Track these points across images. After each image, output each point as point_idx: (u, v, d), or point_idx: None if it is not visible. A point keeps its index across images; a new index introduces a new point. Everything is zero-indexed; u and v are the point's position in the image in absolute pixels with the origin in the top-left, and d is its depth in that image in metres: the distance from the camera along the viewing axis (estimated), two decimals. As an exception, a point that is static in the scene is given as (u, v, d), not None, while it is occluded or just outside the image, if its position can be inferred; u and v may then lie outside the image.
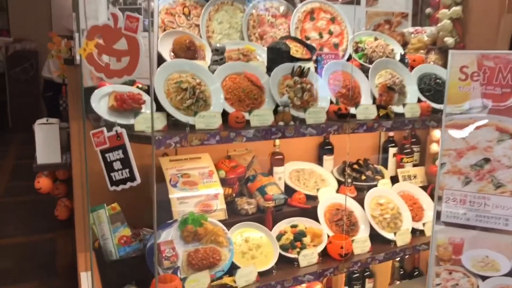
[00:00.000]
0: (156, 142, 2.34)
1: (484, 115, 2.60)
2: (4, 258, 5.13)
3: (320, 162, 3.74)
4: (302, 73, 2.97)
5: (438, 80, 3.47)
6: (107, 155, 2.35)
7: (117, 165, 2.34)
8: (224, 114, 2.66)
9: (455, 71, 2.67)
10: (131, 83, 2.80)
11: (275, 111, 2.80)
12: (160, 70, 2.59)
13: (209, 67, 2.94)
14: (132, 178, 2.33)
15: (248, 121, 2.66)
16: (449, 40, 3.66)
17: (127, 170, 2.33)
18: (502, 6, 3.46)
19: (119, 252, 2.70)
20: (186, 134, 2.41)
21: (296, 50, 3.29)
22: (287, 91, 2.88)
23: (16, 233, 5.55)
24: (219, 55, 2.93)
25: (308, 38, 3.53)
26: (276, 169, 3.44)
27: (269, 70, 3.02)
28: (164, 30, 3.17)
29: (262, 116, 2.68)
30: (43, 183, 3.15)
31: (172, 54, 3.02)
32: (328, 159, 3.74)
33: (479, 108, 2.65)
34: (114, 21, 2.23)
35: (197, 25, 3.28)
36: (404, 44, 3.98)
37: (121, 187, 2.36)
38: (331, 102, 3.05)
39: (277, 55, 3.06)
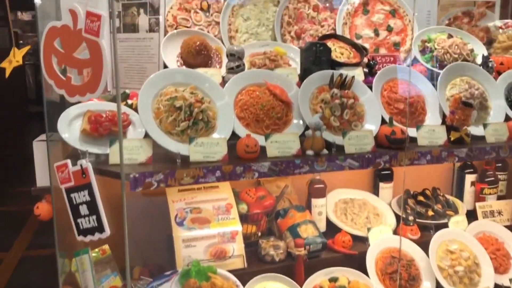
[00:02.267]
0: (131, 180, 1.75)
1: None
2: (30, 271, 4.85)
3: (375, 190, 2.98)
4: (344, 84, 2.26)
5: (535, 91, 2.60)
6: (72, 195, 1.81)
7: (83, 209, 1.79)
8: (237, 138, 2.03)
9: None
10: (126, 96, 2.25)
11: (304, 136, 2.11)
12: (148, 82, 2.00)
13: (223, 77, 2.32)
14: (100, 228, 1.77)
15: (264, 148, 2.00)
16: (553, 36, 2.75)
17: (94, 217, 1.77)
18: None
19: (104, 309, 2.16)
20: (173, 170, 1.81)
21: (340, 52, 2.58)
22: (322, 108, 2.19)
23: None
24: (236, 60, 2.30)
25: (359, 37, 2.80)
26: (314, 201, 2.74)
27: (303, 79, 2.36)
28: (176, 29, 2.59)
29: (283, 143, 2.02)
30: (42, 209, 2.69)
31: (180, 60, 2.44)
32: (385, 187, 2.98)
33: None
34: (73, 21, 1.67)
35: (218, 23, 2.67)
36: (489, 43, 3.11)
37: (89, 237, 1.81)
38: (384, 122, 2.30)
39: (313, 59, 2.38)
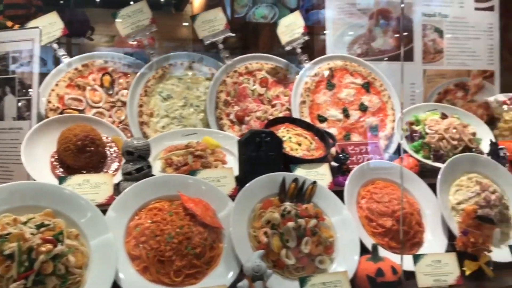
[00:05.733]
0: None
1: None
2: None
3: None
4: (301, 194, 1.49)
5: None
6: None
7: None
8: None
9: None
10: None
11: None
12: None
13: (118, 185, 1.53)
14: None
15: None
16: None
17: None
18: None
19: None
20: None
21: (297, 142, 1.83)
22: (268, 236, 1.39)
23: None
24: (136, 161, 1.51)
25: (323, 120, 2.07)
26: None
27: (242, 184, 1.58)
28: (62, 114, 1.81)
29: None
30: None
31: (54, 160, 1.63)
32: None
33: None
34: None
35: (126, 104, 1.91)
36: (490, 122, 2.43)
37: None
38: (364, 251, 1.51)
39: (256, 154, 1.61)
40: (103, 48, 2.67)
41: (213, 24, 2.02)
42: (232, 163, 1.79)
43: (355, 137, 2.09)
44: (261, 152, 1.64)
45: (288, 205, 1.45)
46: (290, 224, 1.39)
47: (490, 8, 2.50)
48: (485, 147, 2.07)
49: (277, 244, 1.39)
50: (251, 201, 1.49)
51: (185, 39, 2.53)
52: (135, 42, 2.20)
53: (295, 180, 1.51)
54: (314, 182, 1.53)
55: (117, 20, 1.91)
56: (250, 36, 2.85)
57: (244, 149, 1.64)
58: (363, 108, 2.13)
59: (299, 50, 2.10)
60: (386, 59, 2.40)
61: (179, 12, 3.10)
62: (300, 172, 1.69)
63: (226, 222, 1.44)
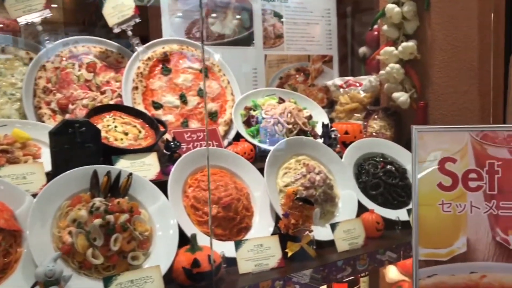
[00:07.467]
0: None
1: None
2: None
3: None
4: (115, 187, 1.40)
5: (390, 166, 2.00)
6: None
7: None
8: None
9: (429, 169, 1.28)
10: None
11: (35, 291, 1.17)
12: None
13: None
14: None
15: None
16: (401, 97, 2.22)
17: None
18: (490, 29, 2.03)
19: None
20: None
21: (124, 132, 1.73)
22: (72, 236, 1.28)
23: None
24: None
25: (159, 106, 1.99)
26: None
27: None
28: None
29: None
30: None
31: None
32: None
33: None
34: None
35: None
36: (330, 105, 2.54)
37: None
38: (185, 241, 1.46)
39: (70, 147, 1.48)
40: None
41: (29, 4, 1.81)
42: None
43: (194, 124, 2.03)
44: (76, 144, 1.51)
45: (97, 200, 1.35)
46: (97, 221, 1.29)
47: (327, -6, 2.60)
48: (320, 130, 2.14)
49: (82, 243, 1.28)
50: (56, 198, 1.36)
51: (56, 22, 2.26)
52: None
53: (108, 173, 1.41)
54: (130, 174, 1.44)
55: None
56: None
57: (55, 141, 1.50)
58: (201, 94, 2.08)
59: (130, 33, 1.98)
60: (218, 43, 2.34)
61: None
62: (124, 163, 1.60)
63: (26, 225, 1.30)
